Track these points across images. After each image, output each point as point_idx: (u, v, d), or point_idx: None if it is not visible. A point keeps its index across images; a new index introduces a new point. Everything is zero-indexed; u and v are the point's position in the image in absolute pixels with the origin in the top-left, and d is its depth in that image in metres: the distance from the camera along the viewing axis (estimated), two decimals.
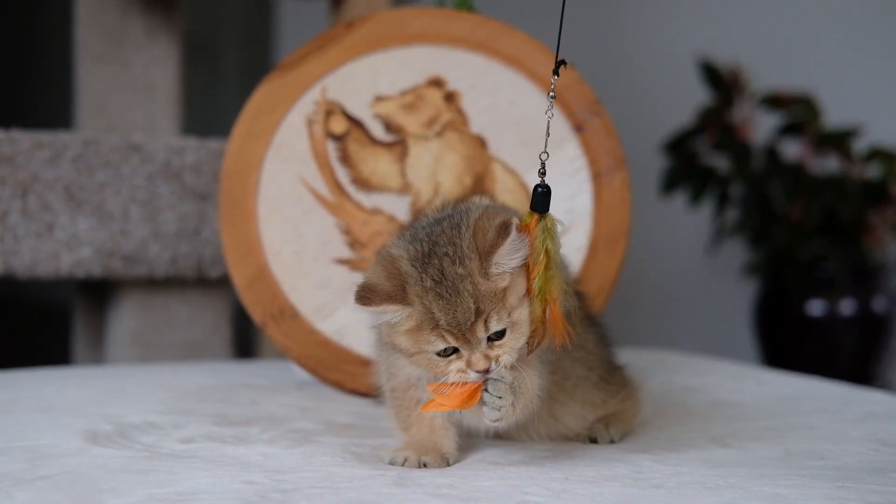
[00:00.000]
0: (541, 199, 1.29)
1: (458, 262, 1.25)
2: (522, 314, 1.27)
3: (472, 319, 1.23)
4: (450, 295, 1.24)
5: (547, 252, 1.27)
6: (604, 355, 1.53)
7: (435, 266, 1.25)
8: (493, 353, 1.25)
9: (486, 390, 1.27)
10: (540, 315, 1.27)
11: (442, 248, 1.26)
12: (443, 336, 1.24)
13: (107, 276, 2.23)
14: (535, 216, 1.28)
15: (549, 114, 1.34)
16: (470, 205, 1.35)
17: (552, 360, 1.39)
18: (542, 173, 1.30)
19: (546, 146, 1.32)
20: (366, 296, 1.25)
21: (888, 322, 3.49)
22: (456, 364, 1.26)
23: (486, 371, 1.25)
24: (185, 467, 1.28)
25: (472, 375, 1.25)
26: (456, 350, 1.25)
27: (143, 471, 1.26)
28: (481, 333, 1.24)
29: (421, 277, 1.25)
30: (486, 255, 1.25)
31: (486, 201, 1.39)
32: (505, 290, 1.25)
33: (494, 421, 1.28)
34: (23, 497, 1.14)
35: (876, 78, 3.84)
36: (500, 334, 1.25)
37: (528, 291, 1.27)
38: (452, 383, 1.27)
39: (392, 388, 1.40)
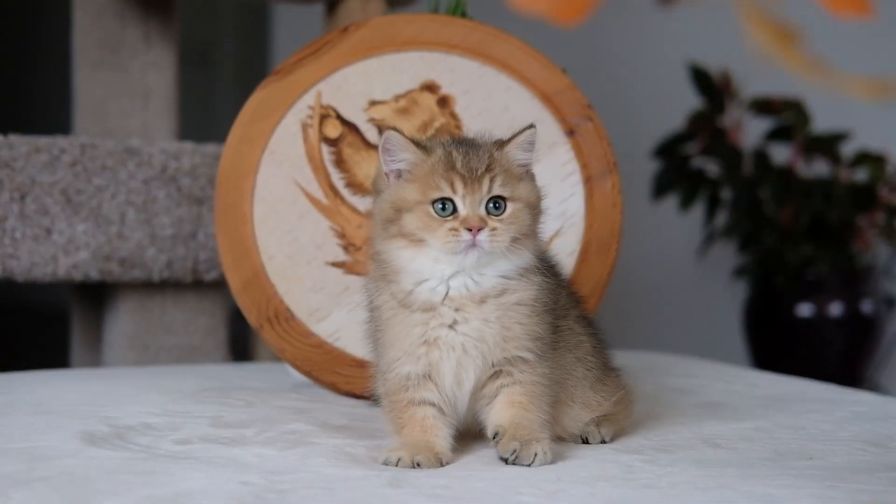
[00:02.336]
0: None
1: (476, 141, 1.40)
2: (527, 217, 1.36)
3: (483, 170, 1.33)
4: (467, 149, 1.36)
5: None
6: (600, 357, 1.55)
7: (456, 140, 1.40)
8: (489, 222, 1.33)
9: None
10: None
11: (458, 138, 1.42)
12: (452, 181, 1.32)
13: (104, 279, 2.23)
14: None
15: None
16: None
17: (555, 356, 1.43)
18: None
19: None
20: (397, 131, 1.35)
21: (876, 324, 3.51)
22: (450, 223, 1.32)
23: (478, 231, 1.31)
24: (181, 468, 1.28)
25: (464, 235, 1.32)
26: (454, 212, 1.32)
27: (139, 472, 1.26)
28: (486, 186, 1.33)
29: (443, 141, 1.39)
30: (502, 143, 1.39)
31: None
32: (518, 177, 1.37)
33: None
34: (20, 498, 1.15)
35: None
36: (500, 209, 1.34)
37: None
38: None
39: (386, 392, 1.42)
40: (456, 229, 1.32)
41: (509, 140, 1.39)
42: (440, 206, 1.33)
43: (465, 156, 1.35)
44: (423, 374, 1.38)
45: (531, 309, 1.38)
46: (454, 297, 1.36)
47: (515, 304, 1.37)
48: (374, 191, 1.44)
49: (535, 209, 1.39)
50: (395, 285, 1.38)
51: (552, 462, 1.34)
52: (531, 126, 1.39)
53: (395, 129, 1.36)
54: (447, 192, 1.33)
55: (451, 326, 1.36)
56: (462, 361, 1.37)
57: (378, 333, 1.42)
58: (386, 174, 1.38)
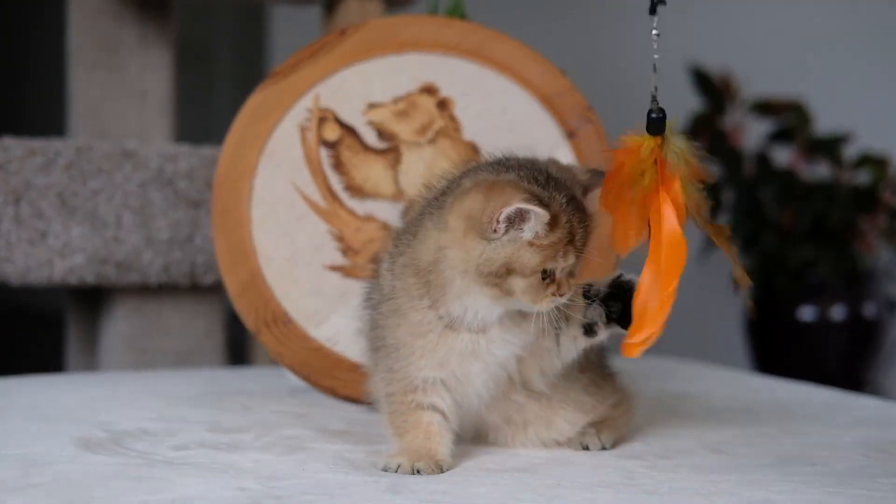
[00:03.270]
0: (654, 123, 1.36)
1: (571, 184, 1.32)
2: None
3: (586, 239, 1.31)
4: (581, 214, 1.30)
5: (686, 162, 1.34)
6: (596, 360, 1.53)
7: (553, 187, 1.29)
8: (572, 280, 1.31)
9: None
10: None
11: (546, 173, 1.31)
12: (567, 254, 1.28)
13: (100, 283, 2.23)
14: (654, 139, 1.35)
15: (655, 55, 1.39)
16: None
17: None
18: (655, 98, 1.35)
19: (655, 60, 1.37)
20: (538, 199, 1.25)
21: (878, 327, 3.51)
22: (551, 288, 1.29)
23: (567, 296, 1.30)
24: (178, 474, 1.28)
25: (560, 300, 1.30)
26: (553, 277, 1.29)
27: (136, 478, 1.26)
28: (585, 253, 1.31)
29: (552, 195, 1.28)
30: (586, 189, 1.33)
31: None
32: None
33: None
34: None
35: (866, 85, 3.85)
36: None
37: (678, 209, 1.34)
38: None
39: (389, 393, 1.40)
40: (555, 294, 1.29)
41: (591, 188, 1.35)
42: (546, 275, 1.29)
43: (581, 229, 1.30)
44: (440, 380, 1.37)
45: None
46: (505, 320, 1.35)
47: None
48: (467, 224, 1.30)
49: None
50: (443, 308, 1.34)
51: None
52: (601, 171, 1.35)
53: (527, 193, 1.26)
54: (570, 261, 1.30)
55: (500, 344, 1.35)
56: (496, 372, 1.38)
57: (394, 339, 1.39)
58: (495, 224, 1.28)
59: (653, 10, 1.40)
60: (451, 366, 1.35)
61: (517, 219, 1.26)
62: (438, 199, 1.36)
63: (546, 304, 1.29)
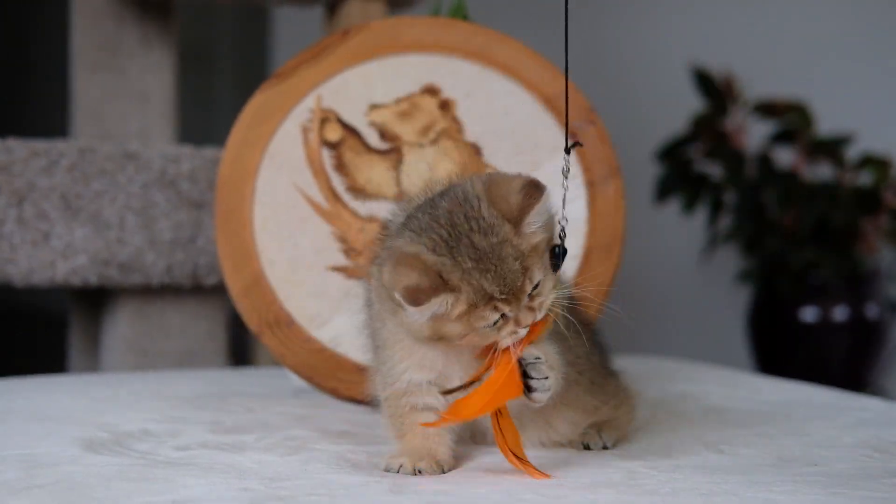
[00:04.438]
0: (555, 260, 1.30)
1: (488, 232, 1.25)
2: (547, 257, 1.29)
3: (521, 279, 1.24)
4: (496, 264, 1.23)
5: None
6: (597, 360, 1.53)
7: (465, 245, 1.24)
8: (534, 304, 1.26)
9: (530, 378, 1.28)
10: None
11: (462, 226, 1.25)
12: (496, 307, 1.24)
13: (103, 284, 2.23)
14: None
15: (565, 184, 1.36)
16: (464, 182, 1.32)
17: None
18: (562, 236, 1.32)
19: (563, 209, 1.33)
20: (417, 297, 1.21)
21: (880, 328, 3.50)
22: (506, 329, 1.26)
23: (534, 321, 1.26)
24: (180, 475, 1.28)
25: (522, 332, 1.26)
26: (503, 316, 1.25)
27: (138, 479, 1.26)
28: (528, 289, 1.25)
29: (456, 261, 1.24)
30: (516, 219, 1.25)
31: (472, 176, 1.35)
32: (538, 241, 1.27)
33: (545, 400, 1.30)
34: None
35: (868, 86, 3.85)
36: (537, 285, 1.26)
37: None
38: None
39: (387, 396, 1.40)
40: (514, 331, 1.26)
41: (524, 215, 1.25)
42: (492, 325, 1.26)
43: (498, 278, 1.23)
44: (433, 381, 1.37)
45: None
46: None
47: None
48: (387, 296, 1.30)
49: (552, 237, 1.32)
50: None
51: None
52: (537, 186, 1.27)
53: (411, 288, 1.22)
54: (496, 317, 1.25)
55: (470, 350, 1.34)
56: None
57: (383, 341, 1.39)
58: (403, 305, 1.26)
59: (568, 151, 1.39)
60: (434, 368, 1.35)
61: (414, 315, 1.24)
62: (400, 228, 1.33)
63: (508, 341, 1.27)
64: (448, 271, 1.23)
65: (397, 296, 1.23)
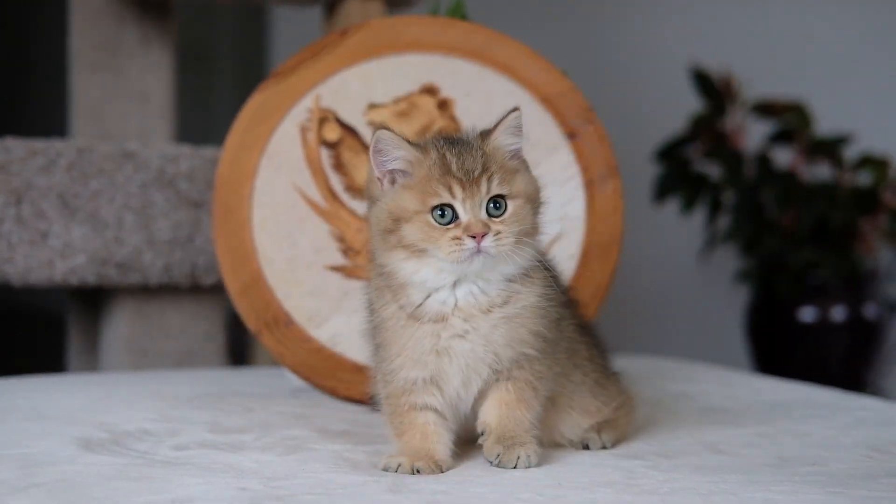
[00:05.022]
0: None
1: (465, 139, 1.36)
2: (527, 211, 1.34)
3: (479, 170, 1.31)
4: (461, 149, 1.33)
5: None
6: (598, 362, 1.53)
7: (445, 140, 1.36)
8: (493, 226, 1.30)
9: None
10: None
11: (447, 140, 1.37)
12: (450, 186, 1.30)
13: (101, 283, 2.22)
14: None
15: None
16: None
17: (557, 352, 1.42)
18: None
19: None
20: (388, 130, 1.32)
21: (879, 328, 3.50)
22: (453, 231, 1.30)
23: (482, 237, 1.29)
24: (179, 474, 1.28)
25: (468, 243, 1.29)
26: (454, 220, 1.30)
27: (137, 478, 1.26)
28: (484, 188, 1.30)
29: (434, 141, 1.35)
30: (487, 132, 1.36)
31: None
32: (514, 171, 1.35)
33: None
34: None
35: (867, 86, 3.85)
36: (501, 209, 1.32)
37: None
38: None
39: (387, 395, 1.40)
40: (459, 237, 1.29)
41: (494, 128, 1.36)
42: (440, 213, 1.30)
43: (459, 157, 1.32)
44: (428, 379, 1.37)
45: (536, 309, 1.37)
46: (463, 306, 1.35)
47: (522, 308, 1.36)
48: (367, 198, 1.41)
49: (535, 202, 1.37)
50: (404, 298, 1.36)
51: (537, 465, 1.34)
52: (515, 109, 1.37)
53: (386, 127, 1.34)
54: (446, 198, 1.30)
55: (462, 336, 1.35)
56: (472, 365, 1.36)
57: (381, 339, 1.40)
58: (379, 179, 1.35)
59: None
60: (429, 365, 1.36)
61: (384, 156, 1.33)
62: None
63: (448, 247, 1.30)
64: (423, 143, 1.36)
65: (380, 133, 1.32)
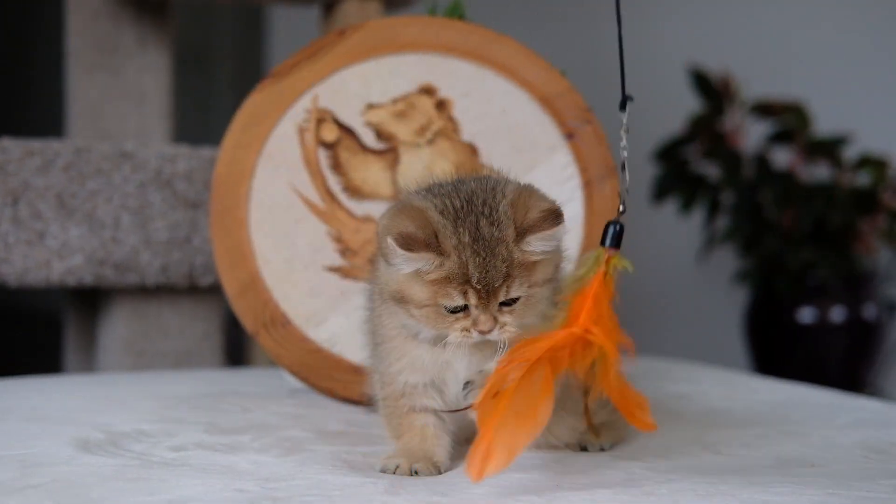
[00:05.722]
0: (615, 236, 1.34)
1: (495, 224, 1.25)
2: (543, 293, 1.28)
3: (500, 283, 1.24)
4: (485, 254, 1.24)
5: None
6: None
7: (471, 222, 1.25)
8: (500, 318, 1.26)
9: None
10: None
11: (477, 207, 1.26)
12: (466, 293, 1.24)
13: (98, 284, 2.22)
14: (608, 252, 1.33)
15: (624, 153, 1.38)
16: (502, 177, 1.35)
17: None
18: (621, 211, 1.32)
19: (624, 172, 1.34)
20: (407, 242, 1.23)
21: (878, 329, 3.50)
22: (462, 323, 1.26)
23: (488, 332, 1.26)
24: (176, 475, 1.27)
25: (475, 336, 1.26)
26: (465, 308, 1.25)
27: (134, 479, 1.26)
28: (501, 295, 1.25)
29: (457, 230, 1.25)
30: (523, 231, 1.26)
31: (513, 179, 1.36)
32: (535, 263, 1.27)
33: None
34: None
35: (866, 86, 3.85)
36: (513, 301, 1.26)
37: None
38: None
39: (385, 397, 1.40)
40: (468, 330, 1.26)
41: (531, 232, 1.26)
42: (452, 309, 1.26)
43: (482, 269, 1.23)
44: (427, 383, 1.36)
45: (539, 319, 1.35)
46: None
47: (519, 326, 1.34)
48: (375, 259, 1.35)
49: (555, 274, 1.31)
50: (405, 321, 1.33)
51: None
52: (557, 212, 1.27)
53: (400, 237, 1.23)
54: (460, 302, 1.25)
55: (463, 354, 1.33)
56: (472, 375, 1.35)
57: (380, 344, 1.39)
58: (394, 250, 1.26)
59: (622, 107, 1.40)
60: (429, 371, 1.35)
61: (397, 266, 1.25)
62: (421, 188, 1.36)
63: (456, 337, 1.27)
64: (445, 236, 1.24)
65: (389, 240, 1.23)
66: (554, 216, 1.26)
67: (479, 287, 1.24)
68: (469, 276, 1.24)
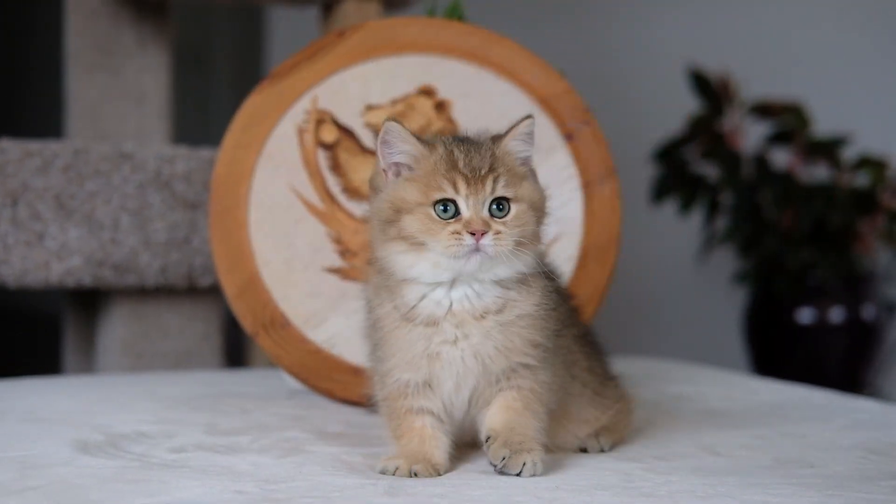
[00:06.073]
0: None
1: (476, 140, 1.37)
2: (531, 218, 1.34)
3: (486, 169, 1.31)
4: (469, 147, 1.34)
5: None
6: (597, 372, 1.53)
7: (455, 138, 1.37)
8: (494, 225, 1.30)
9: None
10: None
11: (459, 140, 1.37)
12: (454, 182, 1.30)
13: (97, 285, 2.22)
14: None
15: None
16: None
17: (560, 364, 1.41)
18: None
19: None
20: (398, 123, 1.33)
21: (877, 330, 3.50)
22: (453, 226, 1.29)
23: (481, 235, 1.28)
24: (175, 477, 1.27)
25: (467, 239, 1.29)
26: (456, 214, 1.30)
27: (133, 480, 1.26)
28: (489, 187, 1.30)
29: (442, 138, 1.36)
30: (499, 136, 1.36)
31: None
32: (520, 177, 1.35)
33: None
34: None
35: (865, 86, 3.85)
36: (504, 210, 1.32)
37: None
38: None
39: (384, 397, 1.40)
40: (459, 232, 1.29)
41: (507, 133, 1.36)
42: (442, 207, 1.30)
43: (466, 154, 1.32)
44: (422, 382, 1.37)
45: (532, 319, 1.36)
46: (457, 311, 1.34)
47: (517, 317, 1.35)
48: (371, 189, 1.41)
49: (538, 210, 1.36)
50: (399, 298, 1.35)
51: (542, 474, 1.32)
52: (529, 116, 1.37)
53: (395, 120, 1.33)
54: (449, 193, 1.30)
55: (453, 342, 1.34)
56: (462, 372, 1.36)
57: (377, 340, 1.40)
58: (384, 170, 1.35)
59: None
60: (422, 368, 1.35)
61: (390, 148, 1.34)
62: None
63: (447, 241, 1.29)
64: (428, 140, 1.36)
65: (388, 122, 1.33)
66: (524, 118, 1.37)
67: (466, 172, 1.30)
68: (455, 160, 1.31)
